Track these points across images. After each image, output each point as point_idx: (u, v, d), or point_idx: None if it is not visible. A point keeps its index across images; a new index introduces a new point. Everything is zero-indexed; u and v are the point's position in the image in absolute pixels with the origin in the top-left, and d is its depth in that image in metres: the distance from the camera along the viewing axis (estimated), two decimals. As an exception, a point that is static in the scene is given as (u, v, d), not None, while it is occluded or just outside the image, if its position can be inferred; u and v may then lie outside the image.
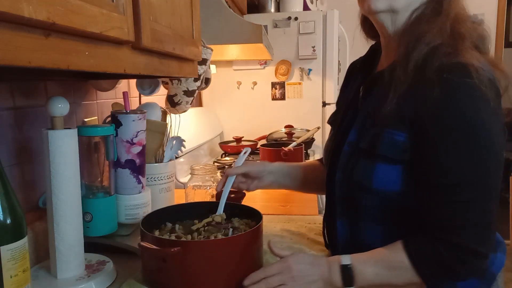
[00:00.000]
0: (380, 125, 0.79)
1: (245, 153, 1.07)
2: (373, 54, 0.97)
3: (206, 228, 0.91)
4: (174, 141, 1.24)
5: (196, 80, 1.38)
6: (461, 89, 0.72)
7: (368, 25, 0.93)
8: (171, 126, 1.33)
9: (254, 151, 2.17)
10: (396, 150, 0.77)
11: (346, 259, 0.78)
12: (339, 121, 0.97)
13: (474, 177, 0.72)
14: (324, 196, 1.59)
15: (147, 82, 1.29)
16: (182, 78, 1.35)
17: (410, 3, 0.81)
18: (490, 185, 0.73)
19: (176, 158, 1.27)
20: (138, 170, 1.01)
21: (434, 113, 0.73)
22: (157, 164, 1.17)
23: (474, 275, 0.77)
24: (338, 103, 1.09)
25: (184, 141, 1.27)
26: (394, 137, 0.77)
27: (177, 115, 1.46)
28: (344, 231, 0.88)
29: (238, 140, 2.22)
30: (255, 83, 2.42)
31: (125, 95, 1.01)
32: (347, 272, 0.77)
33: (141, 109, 1.12)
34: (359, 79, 0.96)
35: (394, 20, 0.83)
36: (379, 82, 0.84)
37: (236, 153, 2.14)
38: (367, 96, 0.89)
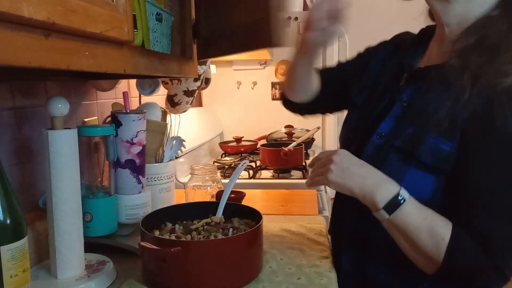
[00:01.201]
0: (424, 128, 0.75)
1: (243, 165, 1.07)
2: (424, 37, 0.90)
3: (205, 227, 0.91)
4: (174, 141, 1.24)
5: (196, 80, 1.38)
6: None
7: None
8: (171, 126, 1.33)
9: (254, 151, 2.17)
10: (438, 158, 0.73)
11: (405, 192, 0.73)
12: (373, 105, 0.90)
13: None
14: (324, 197, 1.60)
15: (147, 82, 1.29)
16: (182, 78, 1.35)
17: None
18: None
19: (176, 158, 1.27)
20: (138, 170, 1.01)
21: (492, 131, 0.69)
22: (157, 164, 1.17)
23: None
24: (363, 64, 1.00)
25: (184, 141, 1.27)
26: (439, 144, 0.73)
27: (177, 115, 1.46)
28: (354, 227, 0.86)
29: (238, 140, 2.22)
30: (255, 83, 2.41)
31: (125, 95, 1.01)
32: (396, 202, 0.72)
33: (141, 109, 1.12)
34: (401, 64, 0.89)
35: (448, 9, 0.78)
36: (428, 76, 0.79)
37: (236, 153, 2.14)
38: (410, 87, 0.84)
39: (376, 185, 0.74)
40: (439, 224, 0.72)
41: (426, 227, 0.71)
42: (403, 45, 0.95)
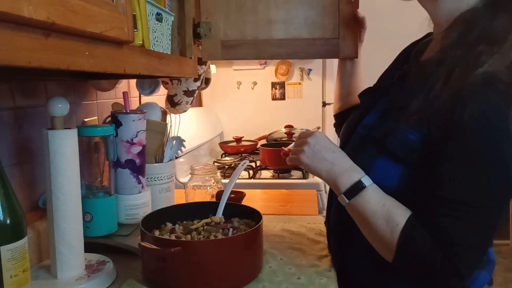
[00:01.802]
0: (399, 119, 0.78)
1: (243, 165, 1.07)
2: (428, 39, 0.92)
3: (205, 227, 0.91)
4: (174, 141, 1.24)
5: (196, 80, 1.38)
6: (492, 114, 0.68)
7: None
8: (171, 126, 1.33)
9: (254, 151, 2.17)
10: (405, 148, 0.75)
11: (367, 179, 0.76)
12: (367, 101, 0.95)
13: (481, 201, 0.70)
14: (324, 197, 1.60)
15: (147, 82, 1.29)
16: (182, 78, 1.35)
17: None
18: (497, 211, 0.72)
19: (176, 158, 1.27)
20: (138, 170, 1.01)
21: (456, 125, 0.69)
22: (157, 164, 1.17)
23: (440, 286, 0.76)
24: (378, 82, 1.04)
25: (184, 141, 1.27)
26: (408, 135, 0.75)
27: (177, 115, 1.46)
28: (337, 216, 0.89)
29: (238, 140, 2.22)
30: (255, 83, 2.41)
31: (125, 95, 1.01)
32: (357, 187, 0.76)
33: (141, 109, 1.12)
34: (401, 63, 0.94)
35: (437, 8, 0.81)
36: (414, 72, 0.82)
37: (236, 153, 2.14)
38: (398, 83, 0.87)
39: (341, 171, 0.78)
40: (397, 212, 0.74)
41: (383, 213, 0.74)
42: (411, 49, 0.97)
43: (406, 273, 0.78)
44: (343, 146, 0.90)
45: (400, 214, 0.73)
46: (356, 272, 0.86)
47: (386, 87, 0.92)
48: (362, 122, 0.88)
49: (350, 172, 0.77)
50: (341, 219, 0.86)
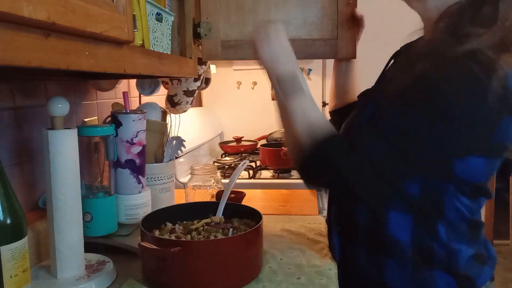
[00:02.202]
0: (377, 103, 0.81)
1: (243, 165, 1.07)
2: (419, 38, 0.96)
3: (205, 227, 0.91)
4: (174, 141, 1.24)
5: (196, 80, 1.38)
6: (467, 80, 0.67)
7: None
8: (171, 126, 1.33)
9: (254, 151, 2.17)
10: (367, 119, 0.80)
11: (302, 78, 0.80)
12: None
13: (414, 132, 0.70)
14: (324, 196, 1.60)
15: (147, 82, 1.29)
16: (182, 78, 1.35)
17: None
18: (426, 146, 0.70)
19: (176, 158, 1.27)
20: (138, 170, 1.01)
21: (427, 83, 0.70)
22: (157, 164, 1.17)
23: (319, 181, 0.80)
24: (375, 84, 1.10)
25: (184, 141, 1.27)
26: (370, 107, 0.82)
27: (177, 115, 1.46)
28: (336, 211, 0.91)
29: (238, 140, 2.22)
30: (255, 83, 2.41)
31: (125, 95, 1.01)
32: (293, 80, 0.79)
33: (141, 109, 1.12)
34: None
35: (424, 7, 0.83)
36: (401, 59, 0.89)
37: (236, 153, 2.14)
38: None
39: (282, 59, 0.81)
40: (320, 118, 0.78)
41: (306, 105, 0.77)
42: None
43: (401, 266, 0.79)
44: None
45: (323, 120, 0.78)
46: (357, 265, 0.86)
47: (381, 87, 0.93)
48: (357, 122, 0.89)
49: (293, 60, 0.82)
50: (343, 217, 0.88)
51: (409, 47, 0.93)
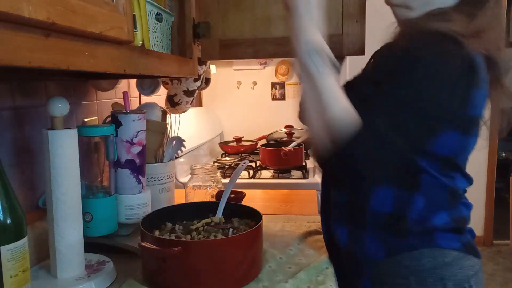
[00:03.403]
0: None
1: (243, 165, 1.07)
2: None
3: (205, 227, 0.91)
4: (174, 141, 1.24)
5: (196, 80, 1.38)
6: (427, 40, 0.75)
7: None
8: (171, 126, 1.33)
9: (254, 151, 2.17)
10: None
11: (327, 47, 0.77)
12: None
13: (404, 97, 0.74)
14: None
15: (147, 82, 1.29)
16: (182, 78, 1.35)
17: (426, 3, 0.83)
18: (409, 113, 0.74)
19: (176, 158, 1.28)
20: (138, 170, 1.01)
21: (404, 54, 0.76)
22: (157, 164, 1.17)
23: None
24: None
25: (184, 141, 1.27)
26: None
27: (177, 115, 1.46)
28: (342, 200, 0.91)
29: (238, 140, 2.22)
30: (255, 83, 2.42)
31: (125, 95, 1.01)
32: (318, 52, 0.75)
33: (141, 109, 1.12)
34: None
35: (407, 14, 0.86)
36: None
37: (236, 153, 2.14)
38: None
39: (307, 25, 0.76)
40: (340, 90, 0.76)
41: (332, 89, 0.75)
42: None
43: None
44: None
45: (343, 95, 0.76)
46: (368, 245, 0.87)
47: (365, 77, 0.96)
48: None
49: (315, 29, 0.77)
50: (351, 206, 0.88)
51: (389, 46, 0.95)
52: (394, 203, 0.82)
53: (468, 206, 0.87)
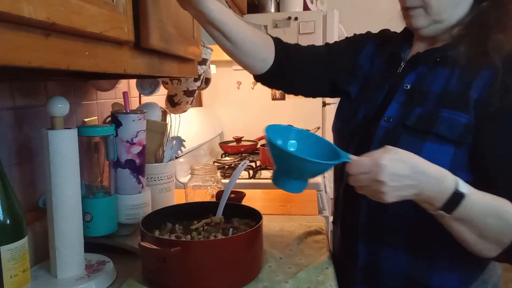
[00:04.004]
0: (436, 105, 0.79)
1: (243, 165, 1.07)
2: (409, 33, 0.94)
3: (205, 228, 0.91)
4: (174, 141, 1.24)
5: (196, 80, 1.38)
6: None
7: None
8: (171, 126, 1.33)
9: (254, 151, 2.17)
10: (457, 131, 0.76)
11: (462, 184, 0.70)
12: (373, 95, 0.92)
13: None
14: (324, 196, 1.60)
15: (147, 82, 1.29)
16: (182, 78, 1.35)
17: (453, 12, 0.82)
18: None
19: (176, 158, 1.27)
20: (138, 170, 1.01)
21: (504, 98, 0.74)
22: (157, 164, 1.17)
23: None
24: (355, 55, 1.01)
25: (184, 141, 1.27)
26: (456, 117, 0.77)
27: (177, 115, 1.46)
28: (367, 218, 0.87)
29: (238, 140, 2.22)
30: (255, 83, 2.41)
31: (125, 95, 1.01)
32: (455, 199, 0.69)
33: (141, 109, 1.12)
34: (393, 54, 0.94)
35: (440, 26, 0.84)
36: (424, 60, 0.86)
37: (236, 153, 2.14)
38: (411, 73, 0.87)
39: (431, 189, 0.70)
40: (502, 204, 0.72)
41: (492, 212, 0.72)
42: (393, 39, 0.98)
43: (441, 266, 0.81)
44: (360, 143, 0.88)
45: (507, 205, 0.72)
46: (391, 270, 0.86)
47: (390, 77, 0.91)
48: (384, 115, 0.86)
49: (440, 185, 0.70)
50: (376, 223, 0.86)
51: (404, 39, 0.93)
52: None
53: None
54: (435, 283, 0.83)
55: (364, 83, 0.97)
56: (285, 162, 0.73)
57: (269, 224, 1.16)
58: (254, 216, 0.94)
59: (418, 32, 0.87)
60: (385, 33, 1.03)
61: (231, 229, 0.90)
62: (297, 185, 0.74)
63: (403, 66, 0.90)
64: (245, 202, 1.07)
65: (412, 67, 0.88)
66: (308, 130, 0.86)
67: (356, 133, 0.92)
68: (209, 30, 0.87)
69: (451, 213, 0.70)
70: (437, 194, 0.70)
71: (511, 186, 0.74)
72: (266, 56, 0.98)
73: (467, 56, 0.79)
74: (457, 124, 0.76)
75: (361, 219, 0.88)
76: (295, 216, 1.27)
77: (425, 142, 0.78)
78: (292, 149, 0.78)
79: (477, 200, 0.71)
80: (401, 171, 0.67)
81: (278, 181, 0.75)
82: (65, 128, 0.81)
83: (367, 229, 0.88)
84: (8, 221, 0.63)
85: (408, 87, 0.86)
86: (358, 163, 0.69)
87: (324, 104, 2.35)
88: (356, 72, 0.99)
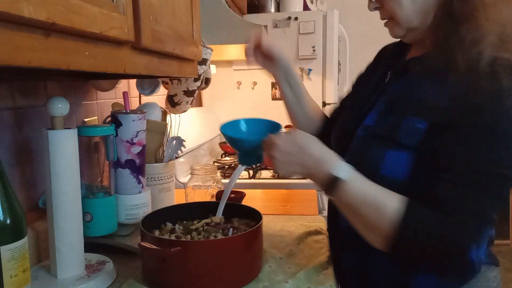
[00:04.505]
0: (401, 112, 0.79)
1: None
2: (404, 43, 0.94)
3: (205, 228, 0.91)
4: (174, 141, 1.24)
5: (196, 80, 1.38)
6: (504, 98, 0.70)
7: None
8: (171, 126, 1.33)
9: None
10: (415, 137, 0.76)
11: (344, 171, 0.75)
12: (359, 105, 0.94)
13: (486, 169, 0.70)
14: (324, 196, 1.60)
15: (147, 82, 1.29)
16: (182, 78, 1.35)
17: (424, 17, 0.81)
18: (502, 184, 0.72)
19: (176, 158, 1.27)
20: (138, 170, 1.01)
21: (467, 107, 0.72)
22: (157, 164, 1.17)
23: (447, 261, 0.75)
24: (356, 86, 1.06)
25: (184, 141, 1.27)
26: (415, 124, 0.77)
27: (177, 115, 1.46)
28: (349, 225, 0.87)
29: (238, 140, 2.22)
30: (255, 83, 2.42)
31: (125, 95, 1.01)
32: (333, 182, 0.75)
33: (141, 109, 1.12)
34: (386, 65, 0.95)
35: (417, 32, 0.84)
36: (409, 69, 0.85)
37: (236, 153, 2.14)
38: (394, 82, 0.88)
39: (313, 169, 0.78)
40: (388, 197, 0.73)
41: (371, 202, 0.74)
42: (386, 53, 1.00)
43: (427, 269, 0.80)
44: (341, 152, 0.88)
45: (392, 199, 0.73)
46: (377, 273, 0.86)
47: (379, 88, 0.91)
48: (362, 124, 0.87)
49: (319, 166, 0.77)
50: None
51: (397, 51, 0.94)
52: None
53: (494, 222, 0.85)
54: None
55: (359, 96, 0.99)
56: (235, 145, 0.91)
57: (269, 224, 1.16)
58: (254, 216, 0.94)
59: (403, 40, 0.88)
60: (385, 48, 1.04)
61: (231, 229, 0.90)
62: (254, 159, 0.93)
63: (389, 76, 0.91)
64: (245, 202, 1.07)
65: (397, 77, 0.88)
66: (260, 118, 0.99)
67: (339, 141, 0.95)
68: (285, 86, 1.18)
69: (332, 196, 0.77)
70: (318, 175, 0.77)
71: (441, 193, 0.72)
72: (315, 120, 1.15)
73: (436, 63, 0.78)
74: (416, 130, 0.76)
75: (344, 226, 0.89)
76: (295, 216, 1.27)
77: (388, 150, 0.79)
78: (239, 136, 0.93)
79: (358, 187, 0.75)
80: (288, 149, 0.79)
81: (241, 160, 0.93)
82: (65, 128, 0.81)
83: (350, 237, 0.87)
84: (8, 221, 0.63)
85: (388, 96, 0.86)
86: (269, 139, 0.81)
87: (324, 104, 2.35)
88: (354, 89, 1.06)
